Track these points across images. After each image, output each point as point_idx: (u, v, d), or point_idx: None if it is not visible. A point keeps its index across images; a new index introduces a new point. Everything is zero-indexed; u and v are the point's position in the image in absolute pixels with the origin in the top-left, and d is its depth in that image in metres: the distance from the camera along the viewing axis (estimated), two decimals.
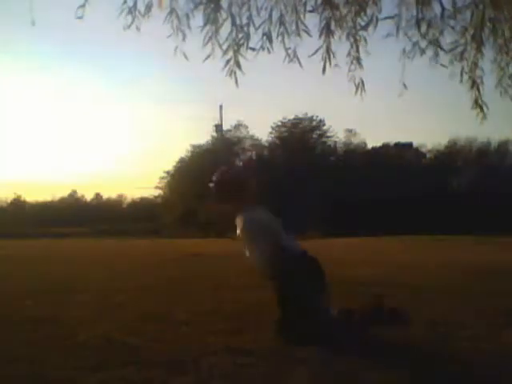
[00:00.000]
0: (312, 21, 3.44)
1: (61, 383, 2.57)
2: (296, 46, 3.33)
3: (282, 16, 3.33)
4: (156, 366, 2.79)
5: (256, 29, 3.28)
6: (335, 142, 41.40)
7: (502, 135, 42.06)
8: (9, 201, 43.02)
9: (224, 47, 3.17)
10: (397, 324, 3.29)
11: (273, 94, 53.92)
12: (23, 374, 2.71)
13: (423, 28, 3.26)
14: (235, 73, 3.16)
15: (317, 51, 3.29)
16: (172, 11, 3.20)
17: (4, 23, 42.84)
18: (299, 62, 3.35)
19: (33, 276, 6.94)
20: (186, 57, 3.27)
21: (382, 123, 50.63)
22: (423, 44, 3.36)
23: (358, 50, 3.55)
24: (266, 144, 41.75)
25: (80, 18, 3.22)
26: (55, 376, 2.64)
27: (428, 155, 42.48)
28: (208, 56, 3.16)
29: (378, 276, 6.86)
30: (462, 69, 3.68)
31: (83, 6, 3.19)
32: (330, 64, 3.34)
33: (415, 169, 39.00)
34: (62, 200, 45.41)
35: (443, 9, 3.25)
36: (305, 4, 3.38)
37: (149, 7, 3.14)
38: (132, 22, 3.20)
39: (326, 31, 3.32)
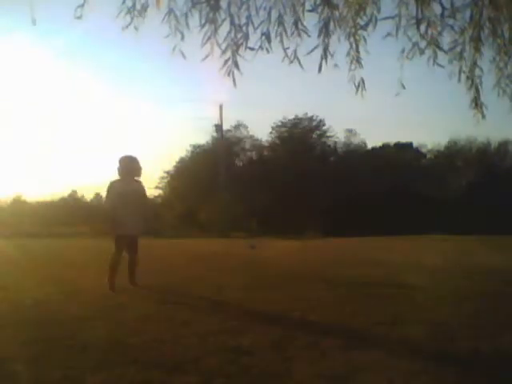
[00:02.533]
0: (311, 20, 3.44)
1: (61, 383, 2.58)
2: (295, 46, 3.33)
3: (280, 16, 3.33)
4: (156, 366, 2.79)
5: (255, 29, 3.28)
6: (335, 142, 41.41)
7: (502, 135, 41.98)
8: (9, 201, 43.01)
9: (223, 47, 3.17)
10: None
11: (273, 94, 53.84)
12: (23, 373, 2.71)
13: (423, 28, 3.26)
14: (233, 73, 3.16)
15: (313, 50, 3.29)
16: (170, 11, 3.20)
17: (5, 21, 42.79)
18: (299, 62, 3.35)
19: (34, 276, 6.95)
20: (183, 56, 3.27)
21: (381, 123, 50.52)
22: (423, 44, 3.36)
23: (357, 50, 3.55)
24: (266, 144, 41.81)
25: (79, 17, 3.22)
26: (55, 376, 2.64)
27: (428, 155, 42.48)
28: (206, 56, 3.17)
29: (378, 276, 6.87)
30: (461, 68, 3.68)
31: (82, 5, 3.19)
32: (327, 63, 3.34)
33: (415, 169, 39.02)
34: (62, 200, 45.34)
35: (443, 8, 3.24)
36: (304, 4, 3.38)
37: (145, 8, 3.15)
38: (130, 22, 3.20)
39: (326, 31, 3.32)
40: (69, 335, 3.45)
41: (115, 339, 3.37)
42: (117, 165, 5.81)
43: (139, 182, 5.96)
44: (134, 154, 5.93)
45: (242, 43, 3.22)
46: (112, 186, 5.71)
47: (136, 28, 3.26)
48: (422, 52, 3.39)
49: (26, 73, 57.54)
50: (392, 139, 42.66)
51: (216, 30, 3.21)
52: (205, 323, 3.86)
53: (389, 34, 3.43)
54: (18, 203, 41.61)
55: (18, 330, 3.67)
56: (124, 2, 3.20)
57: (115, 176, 5.84)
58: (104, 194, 5.98)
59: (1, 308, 4.60)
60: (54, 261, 9.40)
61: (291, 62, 3.31)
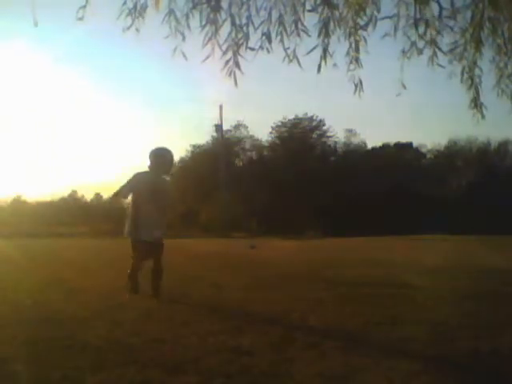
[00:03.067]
0: (312, 20, 3.45)
1: (60, 383, 2.58)
2: (295, 46, 3.34)
3: (281, 16, 3.34)
4: (156, 366, 2.79)
5: (255, 29, 3.29)
6: (335, 142, 41.45)
7: (502, 135, 41.98)
8: (9, 201, 43.04)
9: (223, 47, 3.18)
10: None
11: (273, 93, 53.95)
12: (23, 373, 2.71)
13: (421, 28, 3.26)
14: (234, 73, 3.17)
15: (312, 50, 3.30)
16: (171, 12, 3.20)
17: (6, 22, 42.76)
18: (298, 62, 3.35)
19: (34, 276, 6.95)
20: (185, 57, 3.28)
21: (381, 123, 50.56)
22: (421, 44, 3.36)
23: (357, 50, 3.55)
24: (266, 144, 41.83)
25: (80, 19, 3.22)
26: (55, 376, 2.64)
27: (428, 155, 42.50)
28: (207, 57, 3.17)
29: (378, 276, 6.87)
30: (464, 69, 3.69)
31: (84, 7, 3.19)
32: (326, 63, 3.35)
33: (415, 169, 39.01)
34: (62, 200, 45.33)
35: (441, 8, 3.25)
36: (304, 4, 3.38)
37: (144, 8, 3.15)
38: (132, 24, 3.21)
39: (325, 31, 3.32)
40: (68, 335, 3.45)
41: (115, 339, 3.37)
42: (147, 158, 5.07)
43: (165, 179, 5.41)
44: (167, 147, 5.17)
45: (242, 43, 3.22)
46: (135, 178, 5.00)
47: (137, 30, 3.27)
48: (420, 52, 3.40)
49: (28, 73, 57.67)
50: (392, 139, 42.73)
51: (217, 30, 3.22)
52: (205, 323, 3.86)
53: (386, 35, 3.44)
54: (17, 203, 41.65)
55: (17, 330, 3.67)
56: (125, 3, 3.21)
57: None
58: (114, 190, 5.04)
59: (1, 308, 4.60)
60: (54, 261, 9.40)
61: (291, 61, 3.32)
